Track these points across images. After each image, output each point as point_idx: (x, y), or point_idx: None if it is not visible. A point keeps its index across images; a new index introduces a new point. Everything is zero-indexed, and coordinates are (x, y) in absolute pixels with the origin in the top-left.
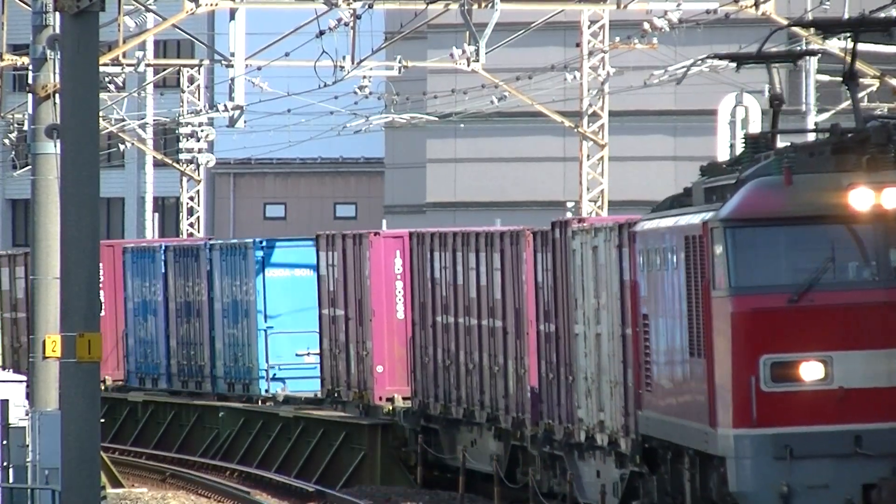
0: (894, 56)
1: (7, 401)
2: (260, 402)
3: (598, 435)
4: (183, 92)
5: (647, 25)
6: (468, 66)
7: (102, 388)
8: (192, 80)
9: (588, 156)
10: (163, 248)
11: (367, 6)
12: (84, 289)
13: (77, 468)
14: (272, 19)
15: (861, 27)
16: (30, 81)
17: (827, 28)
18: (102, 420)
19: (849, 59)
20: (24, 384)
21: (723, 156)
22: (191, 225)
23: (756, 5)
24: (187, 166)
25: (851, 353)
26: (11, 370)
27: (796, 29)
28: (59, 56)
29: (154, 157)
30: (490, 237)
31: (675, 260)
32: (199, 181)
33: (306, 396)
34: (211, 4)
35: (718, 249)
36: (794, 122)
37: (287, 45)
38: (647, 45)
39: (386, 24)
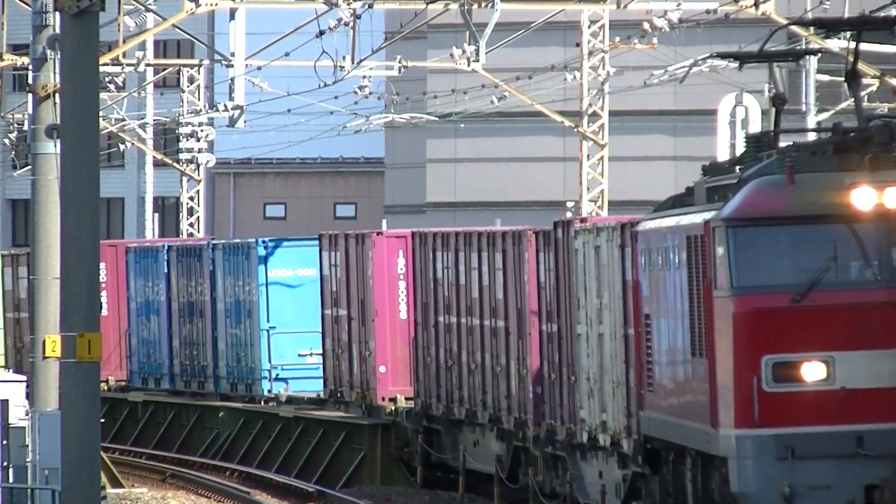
0: (894, 56)
1: (7, 401)
2: (263, 402)
3: (600, 435)
4: (183, 92)
5: (647, 25)
6: (468, 66)
7: (105, 388)
8: (192, 80)
9: (588, 156)
10: (166, 247)
11: (367, 6)
12: (84, 289)
13: (77, 468)
14: (272, 19)
15: (863, 26)
16: (30, 81)
17: (829, 26)
18: (102, 420)
19: (851, 58)
20: (24, 384)
21: (723, 156)
22: (191, 225)
23: (756, 5)
24: (187, 166)
25: (854, 354)
26: (14, 370)
27: (796, 28)
28: (59, 56)
29: (154, 157)
30: (492, 237)
31: (676, 260)
32: (199, 181)
33: (309, 397)
34: (211, 4)
35: (720, 249)
36: (794, 122)
37: (287, 45)
38: (647, 45)
39: (386, 24)
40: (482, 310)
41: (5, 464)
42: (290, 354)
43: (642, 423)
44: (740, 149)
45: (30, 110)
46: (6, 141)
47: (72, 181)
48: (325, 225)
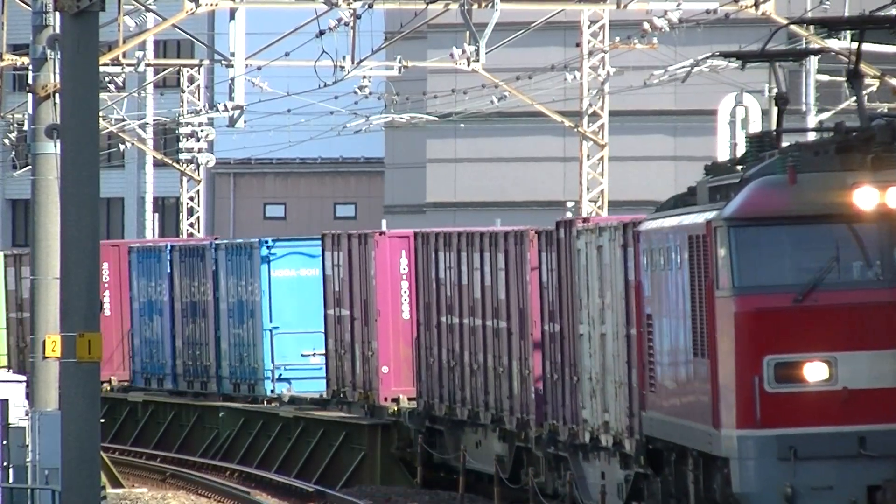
0: (894, 56)
1: (7, 401)
2: (266, 402)
3: (602, 436)
4: (183, 92)
5: (647, 25)
6: (468, 66)
7: (108, 388)
8: (192, 80)
9: (588, 156)
10: (168, 247)
11: (367, 6)
12: (84, 289)
13: (77, 468)
14: (272, 19)
15: (866, 25)
16: (30, 81)
17: (832, 25)
18: (102, 420)
19: (853, 57)
20: (24, 384)
21: (723, 156)
22: (191, 225)
23: (756, 5)
24: (187, 166)
25: (856, 354)
26: (18, 370)
27: (795, 28)
28: (59, 56)
29: (154, 157)
30: (494, 237)
31: (678, 260)
32: (199, 181)
33: (312, 397)
34: (211, 4)
35: (722, 249)
36: (794, 122)
37: (287, 45)
38: (647, 45)
39: (386, 24)
40: (484, 310)
41: (5, 464)
42: (293, 354)
43: (644, 424)
44: (741, 148)
45: (30, 110)
46: (6, 141)
47: (72, 181)
48: (325, 225)
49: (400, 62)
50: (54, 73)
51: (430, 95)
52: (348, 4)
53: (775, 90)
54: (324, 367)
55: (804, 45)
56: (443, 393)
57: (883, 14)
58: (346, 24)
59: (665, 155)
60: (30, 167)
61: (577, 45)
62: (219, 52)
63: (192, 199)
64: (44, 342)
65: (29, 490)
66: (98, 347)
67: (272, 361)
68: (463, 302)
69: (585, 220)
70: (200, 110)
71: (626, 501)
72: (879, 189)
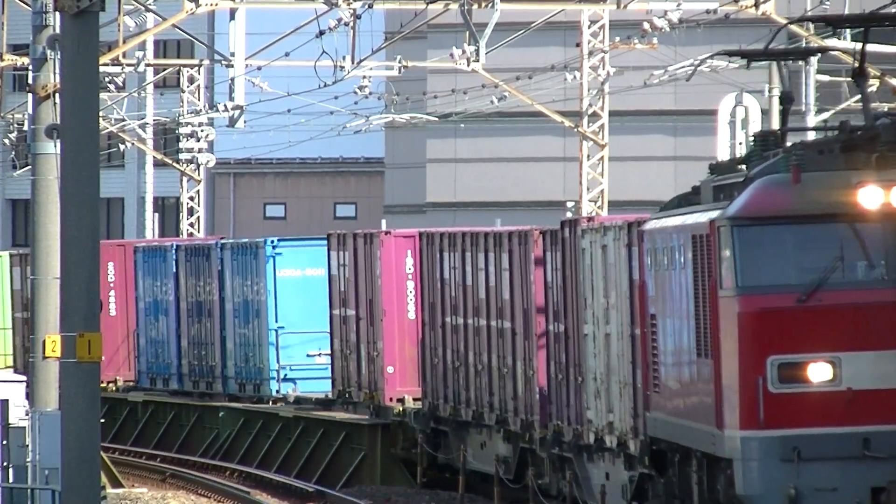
0: (894, 56)
1: (7, 401)
2: (271, 402)
3: (607, 436)
4: (183, 92)
5: (647, 25)
6: (468, 66)
7: (113, 388)
8: (192, 80)
9: (588, 156)
10: (174, 247)
11: (367, 6)
12: (84, 289)
13: (77, 468)
14: (272, 19)
15: (871, 22)
16: (30, 81)
17: (836, 24)
18: (102, 420)
19: (858, 56)
20: (24, 384)
21: (723, 156)
22: (191, 225)
23: (756, 5)
24: (187, 166)
25: (860, 354)
26: (23, 369)
27: (796, 28)
28: (59, 56)
29: (154, 157)
30: (499, 237)
31: (682, 259)
32: (199, 181)
33: (317, 397)
34: (211, 4)
35: (725, 248)
36: (794, 122)
37: (287, 45)
38: (647, 45)
39: (386, 24)
40: (489, 310)
41: (5, 464)
42: (299, 354)
43: (648, 425)
44: (742, 148)
45: (30, 110)
46: (6, 141)
47: (72, 181)
48: (326, 225)
49: (400, 62)
50: (54, 73)
51: (430, 95)
52: (348, 4)
53: (776, 90)
54: (329, 367)
55: (805, 45)
56: (447, 394)
57: (887, 12)
58: (346, 24)
59: (665, 155)
60: (30, 167)
61: (577, 45)
62: (219, 52)
63: (192, 199)
64: (44, 342)
65: (29, 490)
66: (98, 347)
67: (278, 361)
68: (467, 302)
69: (590, 219)
70: (200, 110)
71: (630, 502)
72: (884, 188)
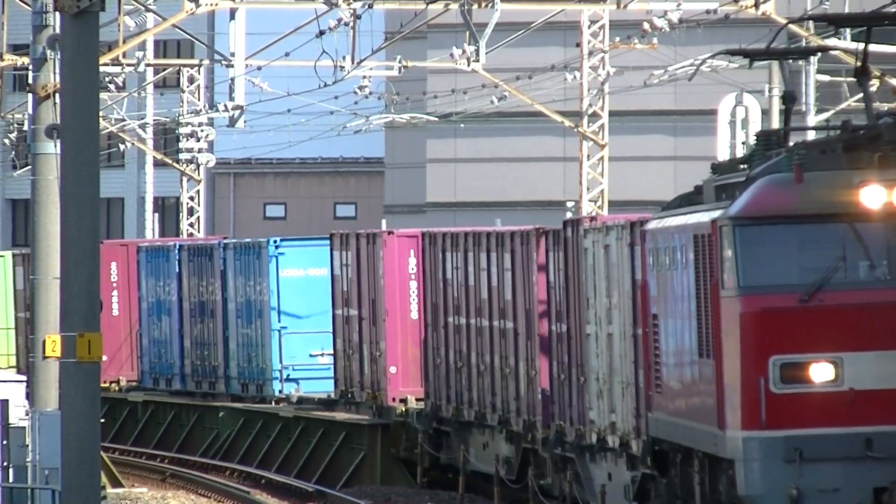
0: (894, 56)
1: (7, 401)
2: (274, 402)
3: (609, 437)
4: (183, 92)
5: (647, 25)
6: (468, 66)
7: (116, 388)
8: (192, 80)
9: (588, 156)
10: (177, 247)
11: (367, 6)
12: (84, 289)
13: (77, 468)
14: (272, 19)
15: (874, 21)
16: (30, 81)
17: (839, 22)
18: (102, 420)
19: (860, 55)
20: (24, 384)
21: (723, 156)
22: (191, 225)
23: (756, 5)
24: (187, 166)
25: (862, 355)
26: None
27: (795, 28)
28: (59, 56)
29: (154, 157)
30: (501, 237)
31: (684, 259)
32: (199, 181)
33: (320, 398)
34: (211, 4)
35: (727, 248)
36: (794, 122)
37: (287, 45)
38: (647, 45)
39: (386, 24)
40: (491, 310)
41: (5, 464)
42: (302, 354)
43: (650, 425)
44: (742, 148)
45: (30, 110)
46: (6, 141)
47: (72, 181)
48: (325, 225)
49: (400, 62)
50: (54, 73)
51: (430, 95)
52: (348, 4)
53: (776, 90)
54: (332, 367)
55: (804, 45)
56: (450, 394)
57: (889, 11)
58: (346, 24)
59: (665, 155)
60: (30, 167)
61: (577, 45)
62: (219, 52)
63: (192, 199)
64: (44, 342)
65: (29, 490)
66: (98, 347)
67: (280, 362)
68: (470, 302)
69: (592, 219)
70: (200, 110)
71: (632, 503)
72: (886, 188)
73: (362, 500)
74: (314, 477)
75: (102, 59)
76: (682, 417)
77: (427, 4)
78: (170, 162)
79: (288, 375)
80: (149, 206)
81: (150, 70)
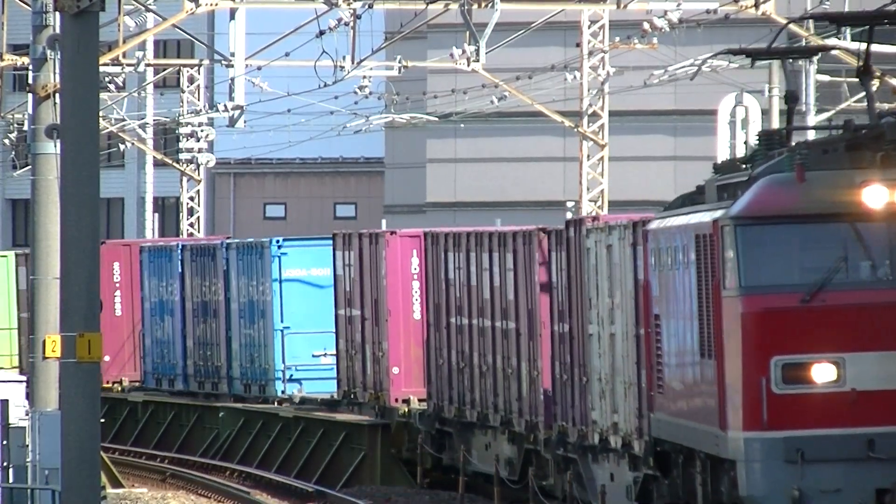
0: (894, 56)
1: (7, 401)
2: (277, 403)
3: (611, 437)
4: (183, 92)
5: (647, 25)
6: (468, 66)
7: (119, 389)
8: (192, 80)
9: (588, 156)
10: (180, 247)
11: (367, 6)
12: (84, 289)
13: (77, 468)
14: (272, 19)
15: (876, 20)
16: (30, 81)
17: (841, 21)
18: (102, 420)
19: (862, 54)
20: (24, 384)
21: (723, 156)
22: (191, 225)
23: (756, 5)
24: (187, 166)
25: (864, 355)
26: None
27: (795, 28)
28: (59, 56)
29: (154, 157)
30: (503, 237)
31: (685, 259)
32: (199, 181)
33: (322, 398)
34: (211, 4)
35: (729, 248)
36: (795, 122)
37: (287, 45)
38: (647, 45)
39: (386, 24)
40: (493, 311)
41: (5, 464)
42: (304, 355)
43: (652, 426)
44: (741, 148)
45: (30, 110)
46: (6, 141)
47: (72, 181)
48: (325, 225)
49: (400, 62)
50: (54, 73)
51: (430, 95)
52: (348, 4)
53: (776, 90)
54: (335, 367)
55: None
56: (452, 395)
57: (892, 10)
58: (346, 24)
59: (665, 155)
60: (30, 167)
61: (577, 45)
62: (219, 52)
63: (192, 199)
64: (44, 342)
65: (29, 490)
66: (98, 347)
67: (283, 362)
68: (472, 303)
69: (595, 218)
70: (200, 110)
71: (634, 503)
72: (889, 187)
73: (362, 500)
74: (314, 477)
75: (102, 59)
76: (683, 418)
77: (427, 4)
78: (170, 162)
79: (291, 376)
80: (149, 206)
81: (150, 70)
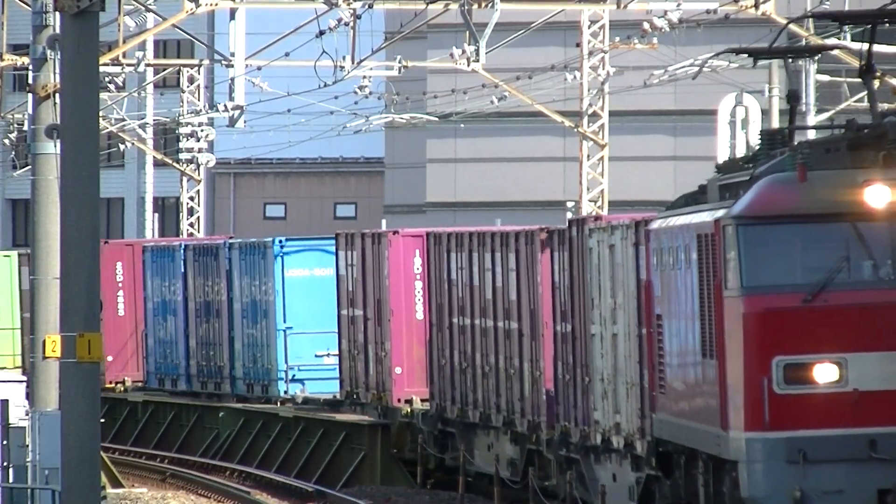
0: (894, 56)
1: (7, 401)
2: (279, 403)
3: (614, 437)
4: (183, 92)
5: (647, 25)
6: (468, 66)
7: (122, 389)
8: (192, 80)
9: (588, 156)
10: (182, 247)
11: (367, 6)
12: (84, 289)
13: (77, 468)
14: (272, 19)
15: (878, 19)
16: (30, 81)
17: (843, 20)
18: (102, 420)
19: (864, 54)
20: (24, 384)
21: (723, 156)
22: (191, 225)
23: (756, 5)
24: (187, 166)
25: (866, 355)
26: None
27: (795, 28)
28: (59, 56)
29: (154, 157)
30: (505, 237)
31: (687, 259)
32: (199, 181)
33: (325, 398)
34: (211, 4)
35: (730, 248)
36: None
37: (287, 45)
38: (647, 45)
39: (386, 24)
40: (496, 311)
41: (5, 464)
42: (307, 355)
43: (654, 426)
44: (741, 148)
45: (30, 110)
46: (6, 141)
47: (72, 181)
48: (325, 225)
49: (400, 62)
50: (54, 73)
51: (430, 95)
52: (348, 4)
53: (776, 90)
54: (337, 367)
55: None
56: (455, 395)
57: (894, 9)
58: (346, 24)
59: (665, 155)
60: (30, 167)
61: (577, 45)
62: (219, 52)
63: (192, 199)
64: (44, 342)
65: (29, 490)
66: (98, 347)
67: (286, 362)
68: (474, 303)
69: (597, 218)
70: (200, 110)
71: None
72: (891, 187)
73: (362, 500)
74: (314, 477)
75: (102, 59)
76: (685, 418)
77: (427, 4)
78: (170, 162)
79: (293, 376)
80: (149, 206)
81: (150, 70)
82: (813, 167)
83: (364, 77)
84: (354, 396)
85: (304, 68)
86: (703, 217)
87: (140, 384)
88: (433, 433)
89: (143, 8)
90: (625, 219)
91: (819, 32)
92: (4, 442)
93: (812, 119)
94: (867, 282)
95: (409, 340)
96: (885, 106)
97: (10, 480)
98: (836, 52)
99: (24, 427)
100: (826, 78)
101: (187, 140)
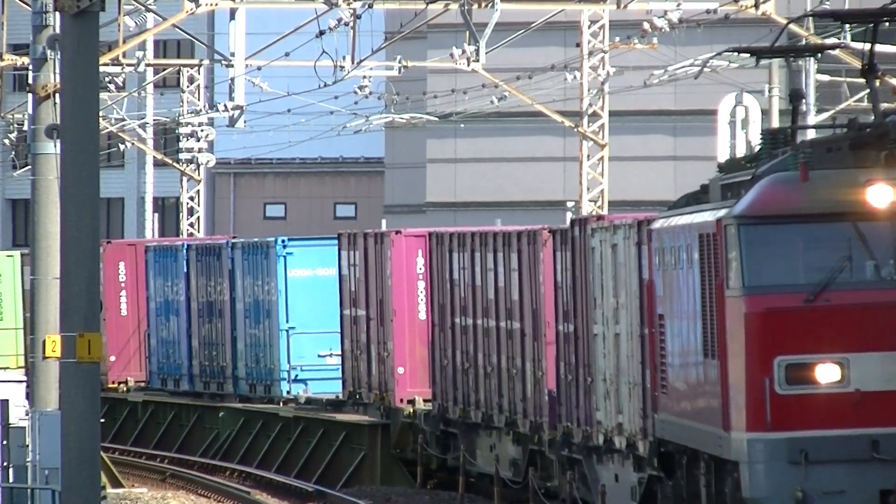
0: (894, 56)
1: (7, 401)
2: (282, 403)
3: (616, 438)
4: (183, 92)
5: (647, 25)
6: (468, 66)
7: (125, 389)
8: (192, 80)
9: (588, 156)
10: (185, 247)
11: (367, 6)
12: (84, 289)
13: (77, 468)
14: (272, 19)
15: (879, 18)
16: (30, 81)
17: (845, 19)
18: (102, 420)
19: (866, 53)
20: (24, 384)
21: (723, 156)
22: (191, 225)
23: (756, 5)
24: (187, 166)
25: (869, 355)
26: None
27: (795, 28)
28: (59, 56)
29: (154, 157)
30: (508, 237)
31: (689, 259)
32: (199, 181)
33: (328, 398)
34: (211, 4)
35: (732, 248)
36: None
37: (287, 45)
38: (647, 45)
39: (386, 24)
40: (498, 311)
41: (5, 464)
42: (310, 355)
43: (656, 426)
44: (741, 148)
45: (30, 110)
46: (6, 141)
47: (72, 181)
48: (325, 225)
49: (400, 62)
50: (54, 73)
51: (430, 95)
52: (348, 4)
53: (776, 89)
54: (340, 367)
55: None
56: (457, 395)
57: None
58: (346, 24)
59: (665, 155)
60: (30, 167)
61: (577, 45)
62: (219, 52)
63: (192, 199)
64: (44, 342)
65: (29, 490)
66: (98, 347)
67: (288, 362)
68: (477, 303)
69: (600, 218)
70: (200, 110)
71: None
72: (893, 186)
73: (362, 500)
74: (314, 477)
75: (102, 59)
76: (687, 419)
77: (427, 4)
78: (170, 162)
79: (296, 376)
80: (149, 206)
81: (150, 70)
82: (815, 167)
83: (364, 77)
84: (357, 397)
85: (304, 68)
86: (705, 217)
87: (143, 384)
88: (435, 433)
89: (143, 8)
90: (627, 218)
91: (819, 32)
92: (4, 442)
93: (812, 119)
94: (869, 282)
95: (412, 340)
96: (886, 105)
97: (10, 480)
98: (835, 51)
99: (24, 427)
100: (826, 78)
101: (187, 140)
